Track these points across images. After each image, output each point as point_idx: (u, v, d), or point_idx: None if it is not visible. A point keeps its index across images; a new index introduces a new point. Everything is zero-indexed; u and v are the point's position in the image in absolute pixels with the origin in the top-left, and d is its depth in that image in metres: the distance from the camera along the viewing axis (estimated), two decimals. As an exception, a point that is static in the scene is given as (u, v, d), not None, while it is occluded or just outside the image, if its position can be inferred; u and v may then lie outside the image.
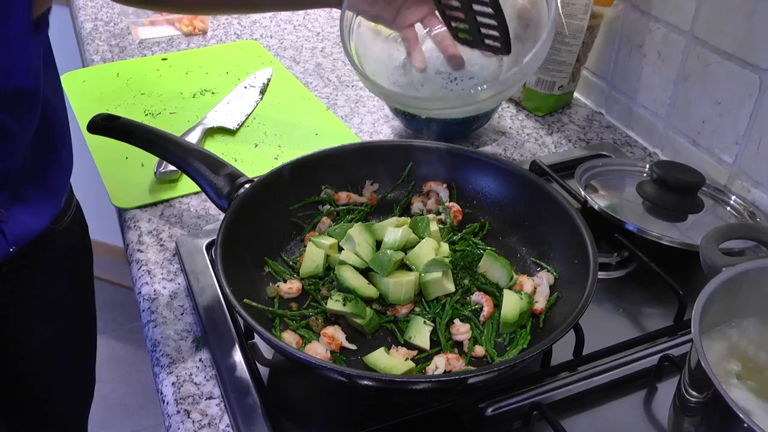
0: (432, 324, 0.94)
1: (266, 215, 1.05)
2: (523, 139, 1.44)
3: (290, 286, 0.98)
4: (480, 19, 1.08)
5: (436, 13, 1.13)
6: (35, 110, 0.93)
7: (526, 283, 0.98)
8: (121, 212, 1.20)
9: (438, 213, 1.12)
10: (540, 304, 0.96)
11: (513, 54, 1.10)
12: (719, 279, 0.78)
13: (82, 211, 1.30)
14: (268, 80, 1.57)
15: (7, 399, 1.25)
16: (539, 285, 0.99)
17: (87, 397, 1.49)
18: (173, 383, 0.90)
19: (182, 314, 1.00)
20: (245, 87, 1.53)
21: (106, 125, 1.15)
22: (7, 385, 1.28)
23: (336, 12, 1.74)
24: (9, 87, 0.84)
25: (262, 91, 1.53)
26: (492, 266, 1.01)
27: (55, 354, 1.32)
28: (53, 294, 1.23)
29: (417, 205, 1.14)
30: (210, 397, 0.89)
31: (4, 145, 0.92)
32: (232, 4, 1.29)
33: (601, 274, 1.08)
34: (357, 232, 1.00)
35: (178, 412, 0.87)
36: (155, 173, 1.23)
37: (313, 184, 1.13)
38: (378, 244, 1.02)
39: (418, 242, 1.00)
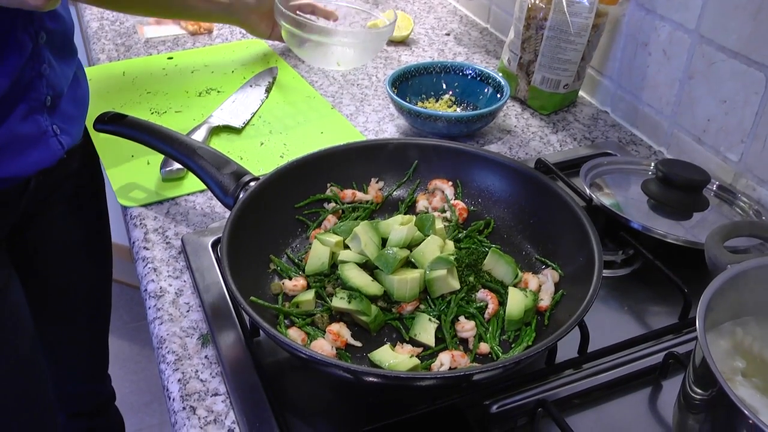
0: (437, 321, 0.94)
1: (272, 213, 1.05)
2: (528, 137, 1.44)
3: (295, 284, 0.98)
4: None
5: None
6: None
7: (531, 280, 0.98)
8: (126, 210, 1.20)
9: (443, 211, 1.12)
10: (545, 301, 0.96)
11: None
12: (724, 276, 0.78)
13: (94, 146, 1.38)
14: (274, 79, 1.57)
15: (39, 310, 1.33)
16: (544, 283, 0.99)
17: (104, 318, 1.62)
18: (179, 380, 0.91)
19: (188, 311, 1.01)
20: (251, 86, 1.53)
21: (112, 123, 1.16)
22: (38, 293, 1.38)
23: (345, 11, 1.75)
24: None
25: (268, 90, 1.53)
26: (497, 264, 1.01)
27: (75, 262, 1.44)
28: (71, 206, 1.36)
29: (422, 203, 1.14)
30: (216, 394, 0.89)
31: (69, 60, 1.17)
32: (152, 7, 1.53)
33: (606, 272, 1.08)
34: (362, 229, 1.01)
35: (184, 408, 0.87)
36: (161, 171, 1.24)
37: (319, 182, 1.13)
38: (383, 242, 1.02)
39: (423, 240, 1.01)
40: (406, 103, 1.35)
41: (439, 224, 1.05)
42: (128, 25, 1.82)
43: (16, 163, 1.07)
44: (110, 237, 1.54)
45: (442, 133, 1.36)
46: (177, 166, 1.23)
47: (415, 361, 0.87)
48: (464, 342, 0.93)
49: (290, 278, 1.00)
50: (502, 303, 0.96)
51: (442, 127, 1.35)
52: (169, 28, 1.81)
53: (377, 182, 1.16)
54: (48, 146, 1.11)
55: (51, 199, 1.28)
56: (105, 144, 1.30)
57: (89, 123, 1.22)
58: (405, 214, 1.12)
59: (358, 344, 0.92)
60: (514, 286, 0.98)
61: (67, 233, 1.39)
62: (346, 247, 1.02)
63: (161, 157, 1.24)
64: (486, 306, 0.96)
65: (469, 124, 1.35)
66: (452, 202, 1.12)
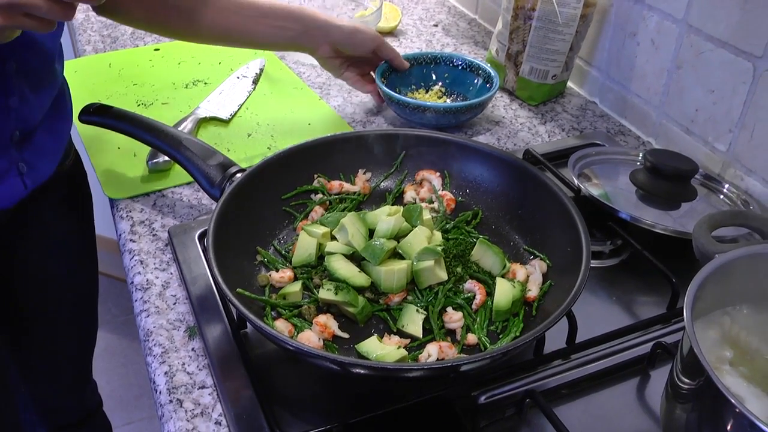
0: (425, 312, 0.93)
1: (258, 204, 1.05)
2: (516, 128, 1.43)
3: (282, 275, 0.98)
4: None
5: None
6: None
7: (519, 271, 0.98)
8: (113, 202, 1.19)
9: (431, 201, 1.12)
10: (533, 292, 0.96)
11: None
12: (711, 266, 0.78)
13: (82, 162, 1.34)
14: (261, 70, 1.57)
15: (18, 335, 1.30)
16: (532, 273, 0.99)
17: (89, 339, 1.54)
18: (166, 373, 0.90)
19: (175, 304, 1.00)
20: (238, 77, 1.52)
21: (98, 115, 1.15)
22: (18, 319, 1.33)
23: (333, 2, 1.74)
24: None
25: (255, 81, 1.53)
26: (485, 254, 1.00)
27: (59, 289, 1.38)
28: (56, 230, 1.29)
29: (410, 194, 1.14)
30: (203, 387, 0.88)
31: (47, 89, 1.08)
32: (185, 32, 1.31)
33: (595, 263, 1.08)
34: (349, 221, 1.00)
35: (171, 401, 0.86)
36: (147, 163, 1.23)
37: (306, 173, 1.13)
38: (371, 233, 1.02)
39: (411, 231, 1.00)
40: (396, 94, 1.35)
41: (427, 215, 1.04)
42: (114, 17, 1.81)
43: None
44: (97, 261, 1.47)
45: (432, 124, 1.36)
46: (163, 158, 1.22)
47: (403, 352, 0.87)
48: (452, 333, 0.93)
49: (277, 270, 1.00)
50: (490, 294, 0.96)
51: (431, 117, 1.34)
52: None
53: (365, 173, 1.15)
54: (9, 185, 1.04)
55: (28, 228, 1.22)
56: (90, 136, 1.29)
57: (75, 115, 1.21)
58: (392, 205, 1.11)
59: (346, 335, 0.92)
60: (502, 276, 0.98)
61: (49, 260, 1.32)
62: (333, 238, 1.02)
63: (148, 149, 1.23)
64: (474, 297, 0.96)
65: (458, 114, 1.35)
66: (440, 192, 1.12)
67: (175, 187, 1.21)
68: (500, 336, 0.92)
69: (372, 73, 1.42)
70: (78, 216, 1.36)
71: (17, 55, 0.98)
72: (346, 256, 0.98)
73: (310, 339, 0.89)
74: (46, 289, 1.35)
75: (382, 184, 1.16)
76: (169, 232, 1.10)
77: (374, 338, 0.89)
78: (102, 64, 1.58)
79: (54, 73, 1.11)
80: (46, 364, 1.47)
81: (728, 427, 0.66)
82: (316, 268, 1.00)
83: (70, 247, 1.36)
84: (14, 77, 0.99)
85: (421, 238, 0.98)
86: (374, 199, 1.14)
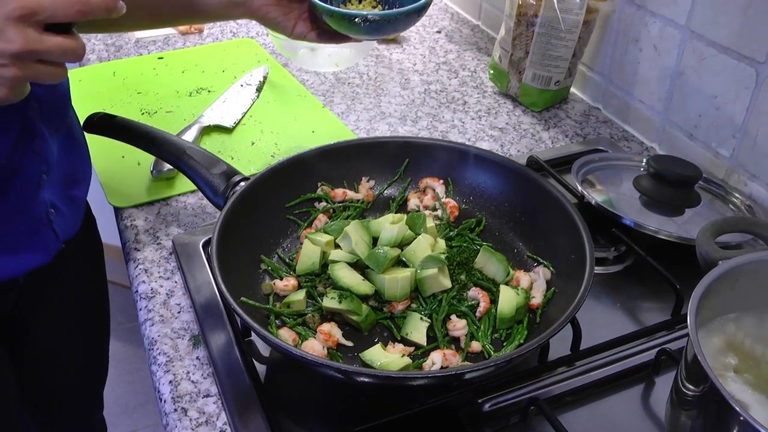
0: (428, 320, 0.93)
1: (262, 213, 1.05)
2: (519, 134, 1.43)
3: (286, 284, 0.98)
4: None
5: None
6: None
7: (523, 278, 0.98)
8: (117, 211, 1.19)
9: (434, 209, 1.12)
10: (537, 299, 0.96)
11: None
12: (715, 272, 0.78)
13: (90, 206, 1.30)
14: (265, 78, 1.57)
15: (26, 388, 1.25)
16: (536, 280, 0.98)
17: (100, 377, 1.50)
18: (170, 381, 0.90)
19: (179, 312, 1.00)
20: (241, 85, 1.53)
21: (102, 124, 1.15)
22: (26, 375, 1.27)
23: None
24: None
25: (259, 89, 1.53)
26: (488, 262, 1.00)
27: (71, 343, 1.34)
28: (69, 289, 1.25)
29: (413, 202, 1.14)
30: (207, 395, 0.88)
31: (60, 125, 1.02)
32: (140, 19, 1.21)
33: (599, 269, 1.08)
34: (353, 229, 1.00)
35: (176, 410, 0.87)
36: (152, 172, 1.23)
37: (309, 181, 1.13)
38: (374, 241, 1.02)
39: (415, 238, 1.00)
40: (326, 5, 1.15)
41: (430, 223, 1.04)
42: (118, 25, 1.81)
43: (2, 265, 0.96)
44: (108, 311, 1.43)
45: (366, 37, 1.18)
46: (167, 166, 1.22)
47: (407, 360, 0.87)
48: (456, 341, 0.93)
49: (281, 278, 1.00)
50: (494, 301, 0.96)
51: (364, 29, 1.15)
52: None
53: (368, 181, 1.16)
54: (42, 237, 1.00)
55: (40, 290, 1.17)
56: (95, 145, 1.29)
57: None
58: (396, 212, 1.11)
59: (350, 344, 0.92)
60: (506, 284, 0.98)
61: (63, 317, 1.27)
62: (337, 246, 1.02)
63: (152, 157, 1.23)
64: (477, 304, 0.96)
65: (394, 23, 1.15)
66: (443, 200, 1.12)
67: (179, 195, 1.22)
68: (504, 343, 0.92)
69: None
70: (91, 265, 1.34)
71: (35, 93, 0.90)
72: (350, 264, 0.98)
73: (314, 347, 0.89)
74: (56, 338, 1.30)
75: (385, 191, 1.16)
76: (173, 240, 1.10)
77: (378, 346, 0.89)
78: (106, 73, 1.59)
79: (67, 107, 1.08)
80: (55, 402, 1.41)
81: (733, 435, 0.66)
82: (320, 277, 1.00)
83: (83, 296, 1.33)
84: (37, 117, 0.95)
85: (424, 245, 0.99)
86: (378, 207, 1.14)
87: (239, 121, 1.42)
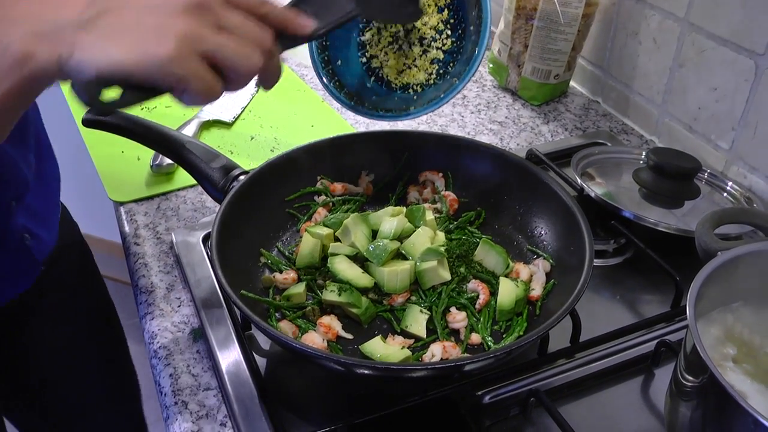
0: (428, 312, 0.94)
1: (262, 206, 1.05)
2: (519, 128, 1.43)
3: (286, 277, 0.98)
4: None
5: None
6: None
7: (523, 270, 0.98)
8: (117, 206, 1.19)
9: (434, 202, 1.12)
10: (536, 291, 0.96)
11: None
12: (714, 263, 0.78)
13: (68, 211, 1.30)
14: (264, 73, 1.57)
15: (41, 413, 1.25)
16: (535, 272, 0.99)
17: (131, 386, 1.49)
18: (171, 375, 0.90)
19: (179, 306, 1.00)
20: (241, 80, 1.52)
21: (101, 119, 1.15)
22: (39, 401, 1.27)
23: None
24: None
25: (258, 84, 1.52)
26: (488, 254, 1.01)
27: (78, 354, 1.32)
28: (62, 297, 1.24)
29: (413, 195, 1.14)
30: (207, 388, 0.89)
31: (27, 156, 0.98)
32: None
33: (598, 262, 1.08)
34: (353, 222, 1.00)
35: (176, 403, 0.87)
36: (151, 167, 1.23)
37: (309, 175, 1.13)
38: (374, 234, 1.02)
39: (414, 231, 1.00)
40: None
41: (430, 215, 1.04)
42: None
43: None
44: (115, 312, 1.42)
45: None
46: (167, 161, 1.22)
47: (407, 352, 0.87)
48: (455, 333, 0.93)
49: (281, 271, 1.00)
50: (494, 293, 0.96)
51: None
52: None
53: (368, 174, 1.16)
54: (19, 266, 0.99)
55: (35, 303, 1.16)
56: (94, 140, 1.30)
57: (78, 119, 1.21)
58: (395, 205, 1.11)
59: (350, 336, 0.92)
60: (506, 276, 0.98)
61: (61, 336, 1.26)
62: (337, 239, 1.02)
63: (151, 152, 1.23)
64: (477, 296, 0.96)
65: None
66: (443, 193, 1.12)
67: (178, 190, 1.22)
68: (504, 335, 0.92)
69: None
70: (81, 268, 1.33)
71: None
72: (350, 257, 0.98)
73: (314, 340, 0.89)
74: (64, 356, 1.30)
75: (385, 185, 1.16)
76: (173, 235, 1.10)
77: (378, 339, 0.89)
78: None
79: (30, 120, 1.03)
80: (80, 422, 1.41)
81: (732, 424, 0.66)
82: (319, 270, 1.00)
83: (81, 313, 1.32)
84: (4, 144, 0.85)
85: (424, 238, 0.99)
86: (377, 200, 1.14)
87: (238, 116, 1.42)
